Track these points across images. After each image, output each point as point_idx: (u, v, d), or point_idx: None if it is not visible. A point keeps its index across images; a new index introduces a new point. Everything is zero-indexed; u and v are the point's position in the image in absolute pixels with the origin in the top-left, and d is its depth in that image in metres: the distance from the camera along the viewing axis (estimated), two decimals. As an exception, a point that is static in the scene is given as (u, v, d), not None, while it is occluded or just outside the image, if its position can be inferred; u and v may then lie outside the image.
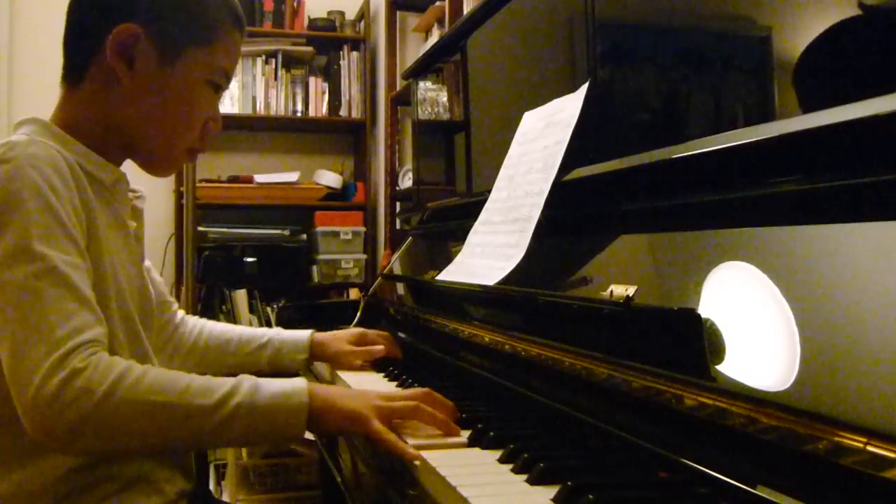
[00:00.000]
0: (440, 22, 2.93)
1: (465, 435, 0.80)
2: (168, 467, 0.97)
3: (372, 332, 1.34)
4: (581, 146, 1.06)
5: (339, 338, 1.30)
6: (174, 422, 0.77)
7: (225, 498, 2.27)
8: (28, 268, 0.77)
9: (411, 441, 0.78)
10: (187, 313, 1.32)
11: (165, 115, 0.95)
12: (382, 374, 1.20)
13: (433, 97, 1.98)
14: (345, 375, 1.22)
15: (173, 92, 0.94)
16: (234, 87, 3.32)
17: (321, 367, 1.36)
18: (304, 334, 1.30)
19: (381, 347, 1.30)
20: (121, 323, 0.91)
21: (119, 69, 0.91)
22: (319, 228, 3.32)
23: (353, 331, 1.34)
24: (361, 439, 0.90)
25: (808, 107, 0.78)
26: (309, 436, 0.90)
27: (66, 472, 0.85)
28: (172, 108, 0.95)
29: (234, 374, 0.84)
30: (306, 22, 3.47)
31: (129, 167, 1.01)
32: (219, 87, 0.99)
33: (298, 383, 0.83)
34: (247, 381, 0.81)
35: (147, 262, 1.17)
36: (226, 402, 0.78)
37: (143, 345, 0.97)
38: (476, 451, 0.76)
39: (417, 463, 0.73)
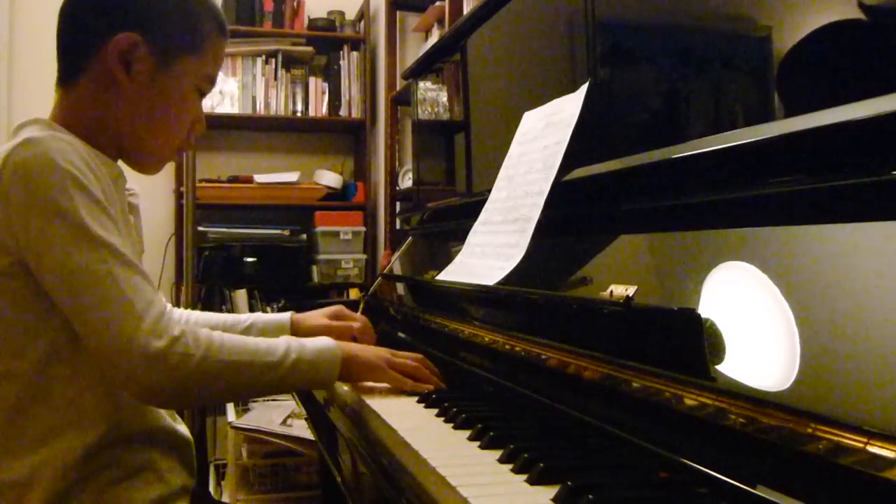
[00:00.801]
0: (440, 22, 2.93)
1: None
2: (172, 459, 1.01)
3: (348, 310, 1.37)
4: (581, 146, 1.06)
5: (316, 314, 1.35)
6: (253, 375, 0.92)
7: (225, 498, 2.27)
8: (95, 253, 0.84)
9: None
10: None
11: (159, 118, 1.01)
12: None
13: (433, 97, 1.97)
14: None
15: (166, 96, 1.00)
16: (235, 87, 3.32)
17: None
18: (284, 316, 1.34)
19: (358, 324, 1.32)
20: None
21: (119, 74, 0.95)
22: (319, 228, 3.32)
23: (330, 308, 1.38)
24: (360, 439, 0.90)
25: (803, 107, 0.78)
26: (309, 436, 0.93)
27: (76, 458, 0.89)
28: (165, 111, 1.01)
29: None
30: (306, 22, 3.47)
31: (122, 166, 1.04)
32: (204, 92, 1.05)
33: (329, 342, 1.01)
34: (292, 341, 0.97)
35: None
36: (286, 358, 0.94)
37: None
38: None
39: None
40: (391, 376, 1.04)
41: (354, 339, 1.31)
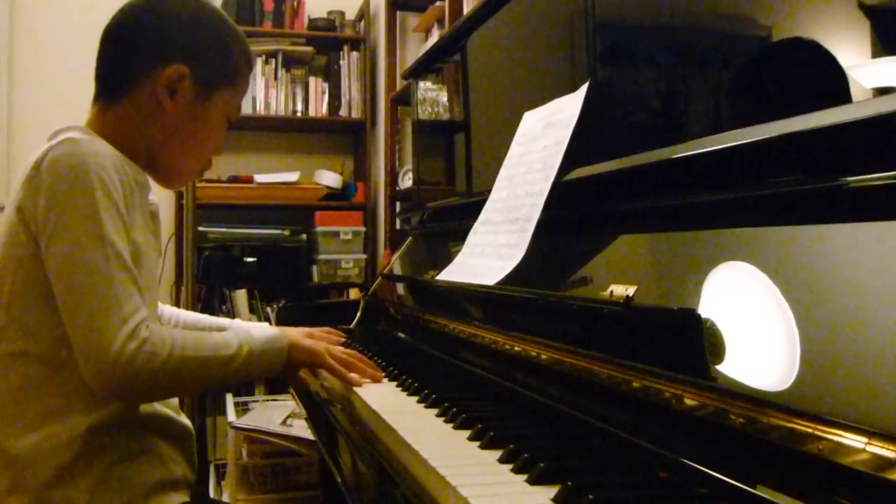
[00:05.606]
0: (440, 22, 2.93)
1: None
2: (173, 448, 1.06)
3: (317, 331, 1.41)
4: (581, 146, 1.06)
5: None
6: (213, 369, 0.99)
7: (225, 498, 2.27)
8: (103, 252, 0.91)
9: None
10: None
11: (191, 142, 1.11)
12: (382, 374, 1.20)
13: (433, 97, 1.97)
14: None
15: (201, 124, 1.10)
16: (234, 87, 3.31)
17: None
18: (267, 327, 1.44)
19: (323, 345, 1.42)
20: (149, 303, 1.04)
21: (164, 101, 1.05)
22: (319, 228, 3.32)
23: (301, 330, 1.43)
24: (360, 438, 0.91)
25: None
26: (309, 436, 0.94)
27: (79, 437, 0.94)
28: (198, 136, 1.11)
29: None
30: (306, 22, 3.47)
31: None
32: (232, 122, 1.15)
33: (274, 331, 1.10)
34: (241, 332, 1.05)
35: None
36: (240, 350, 1.01)
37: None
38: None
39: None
40: (330, 364, 1.10)
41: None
